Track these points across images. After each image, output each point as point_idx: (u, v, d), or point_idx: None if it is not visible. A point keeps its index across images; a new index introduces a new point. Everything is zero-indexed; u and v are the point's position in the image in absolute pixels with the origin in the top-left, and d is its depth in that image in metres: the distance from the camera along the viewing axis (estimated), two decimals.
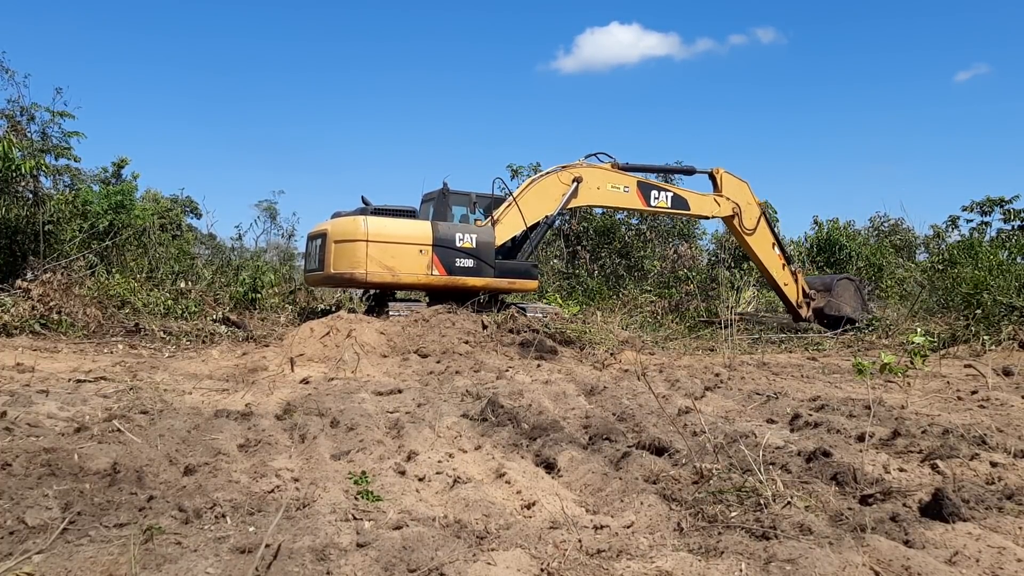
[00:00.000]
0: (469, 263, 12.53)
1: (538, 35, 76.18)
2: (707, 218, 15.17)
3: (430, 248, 12.30)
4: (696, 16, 72.88)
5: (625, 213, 22.75)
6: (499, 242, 12.95)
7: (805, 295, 15.43)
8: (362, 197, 12.93)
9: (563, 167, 13.68)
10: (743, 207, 14.79)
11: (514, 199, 13.21)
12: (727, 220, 14.94)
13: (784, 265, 15.26)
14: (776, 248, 15.26)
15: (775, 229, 15.18)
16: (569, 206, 13.99)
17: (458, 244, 12.50)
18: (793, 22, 69.94)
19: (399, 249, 12.12)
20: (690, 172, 15.14)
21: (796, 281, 15.34)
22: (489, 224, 13.07)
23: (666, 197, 14.34)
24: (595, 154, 14.22)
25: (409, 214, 12.87)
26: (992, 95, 62.28)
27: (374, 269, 11.94)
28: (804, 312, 15.33)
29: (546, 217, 13.44)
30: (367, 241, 11.91)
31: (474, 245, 12.60)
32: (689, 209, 14.71)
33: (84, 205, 15.16)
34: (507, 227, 13.16)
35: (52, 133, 14.71)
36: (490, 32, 75.82)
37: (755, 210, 14.97)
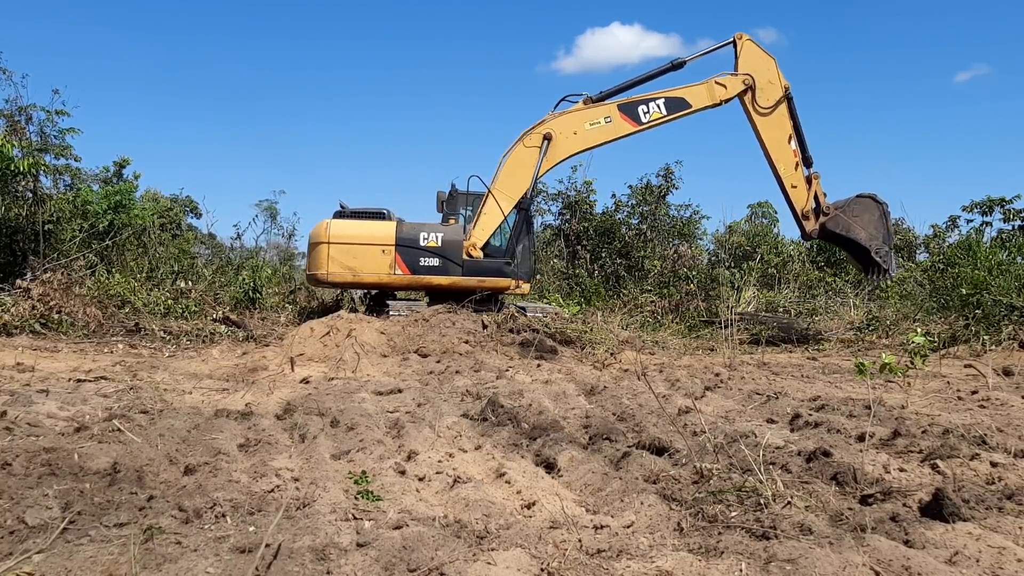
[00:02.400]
0: (434, 262, 12.67)
1: (539, 35, 76.25)
2: (716, 106, 12.75)
3: (392, 248, 12.66)
4: (697, 17, 72.98)
5: (625, 213, 22.75)
6: (485, 236, 12.80)
7: (816, 207, 13.11)
8: (340, 202, 13.56)
9: (527, 130, 12.64)
10: (761, 84, 12.62)
11: (493, 179, 12.93)
12: (740, 97, 12.75)
13: (798, 164, 12.91)
14: (793, 142, 12.87)
15: (798, 122, 12.90)
16: (547, 168, 12.86)
17: (422, 243, 12.70)
18: (794, 23, 70.03)
19: (361, 250, 12.65)
20: (679, 66, 12.83)
21: (808, 187, 13.04)
22: (457, 222, 13.04)
23: (658, 106, 12.58)
24: (566, 97, 12.89)
25: (377, 216, 13.25)
26: (992, 95, 62.38)
27: (335, 269, 12.63)
28: (810, 226, 13.19)
29: (522, 200, 12.74)
30: (328, 243, 12.63)
31: (439, 244, 12.71)
32: (690, 107, 12.70)
33: (84, 205, 15.16)
34: (492, 216, 12.79)
35: (49, 132, 14.70)
36: (491, 32, 75.88)
37: (776, 91, 12.69)
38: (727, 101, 12.67)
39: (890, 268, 12.99)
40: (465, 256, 12.71)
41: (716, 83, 12.61)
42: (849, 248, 13.51)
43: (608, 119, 12.56)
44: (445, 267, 12.66)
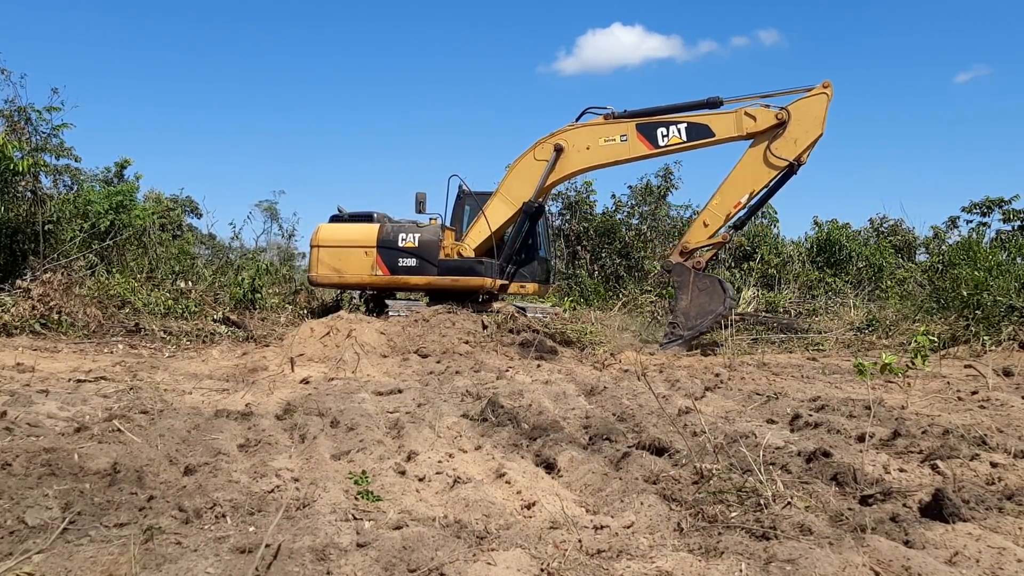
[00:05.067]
0: (412, 262, 12.91)
1: (539, 36, 76.25)
2: (741, 139, 11.69)
3: (374, 249, 12.99)
4: (699, 18, 72.99)
5: (625, 213, 22.76)
6: (478, 238, 12.81)
7: (694, 253, 12.07)
8: (338, 206, 13.93)
9: (541, 139, 12.38)
10: (786, 134, 11.29)
11: (501, 182, 12.92)
12: (768, 131, 11.43)
13: (729, 216, 11.85)
14: (747, 198, 11.74)
15: (774, 193, 11.98)
16: (554, 180, 12.61)
17: (400, 244, 12.98)
18: (795, 24, 70.04)
19: (346, 252, 13.13)
20: (716, 104, 11.68)
21: (712, 235, 11.92)
22: (435, 223, 13.20)
23: (678, 130, 11.69)
24: (589, 109, 12.30)
25: (366, 219, 13.58)
26: (992, 96, 62.41)
27: (323, 272, 13.22)
28: (675, 258, 12.10)
29: (525, 204, 12.44)
30: (318, 247, 13.27)
31: (416, 244, 12.93)
32: (713, 136, 11.67)
33: (86, 205, 15.16)
34: (491, 219, 12.74)
35: (44, 130, 14.65)
36: (492, 32, 75.90)
37: (790, 152, 11.30)
38: (753, 136, 11.54)
39: (666, 345, 11.70)
40: (456, 256, 12.75)
41: (746, 114, 11.51)
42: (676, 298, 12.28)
43: (624, 138, 11.98)
44: (422, 267, 12.87)
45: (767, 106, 11.50)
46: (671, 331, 11.90)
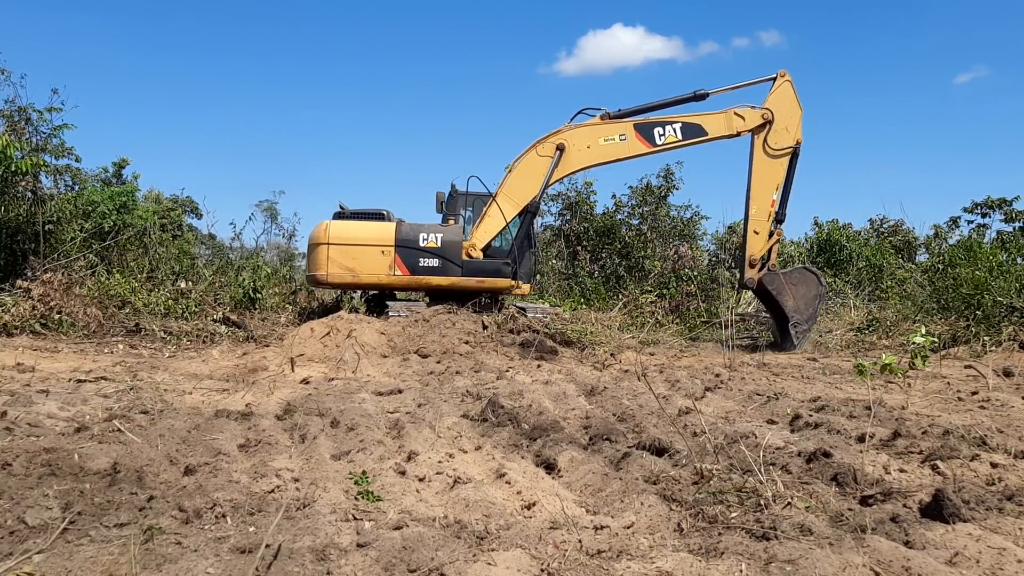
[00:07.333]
0: (434, 263, 12.68)
1: (541, 36, 76.19)
2: (732, 136, 12.69)
3: (392, 248, 12.67)
4: (700, 20, 72.92)
5: (625, 213, 22.75)
6: (486, 238, 12.81)
7: (765, 260, 12.83)
8: (339, 203, 13.60)
9: (541, 139, 12.66)
10: (777, 127, 12.49)
11: (501, 183, 12.91)
12: (755, 131, 12.59)
13: (770, 215, 12.71)
14: (776, 193, 12.72)
15: (791, 178, 12.80)
16: (557, 178, 12.99)
17: (422, 244, 12.72)
18: (796, 25, 70.01)
19: (360, 251, 12.67)
20: (702, 97, 12.66)
21: (768, 239, 12.82)
22: (456, 223, 13.11)
23: (674, 130, 12.55)
24: (583, 110, 12.79)
25: (377, 217, 13.28)
26: (992, 96, 62.41)
27: (335, 271, 12.59)
28: (751, 273, 12.74)
29: (529, 203, 12.72)
30: (328, 244, 12.65)
31: (439, 244, 12.73)
32: (706, 134, 12.66)
33: (89, 205, 15.15)
34: (494, 220, 12.77)
35: (44, 130, 14.61)
36: (493, 33, 75.89)
37: (788, 140, 12.50)
38: (742, 133, 12.61)
39: (799, 344, 12.40)
40: (465, 256, 12.71)
41: (735, 114, 12.56)
42: (772, 310, 13.18)
43: (623, 137, 12.59)
44: (444, 268, 12.66)
45: (752, 107, 12.60)
46: (795, 331, 12.46)
